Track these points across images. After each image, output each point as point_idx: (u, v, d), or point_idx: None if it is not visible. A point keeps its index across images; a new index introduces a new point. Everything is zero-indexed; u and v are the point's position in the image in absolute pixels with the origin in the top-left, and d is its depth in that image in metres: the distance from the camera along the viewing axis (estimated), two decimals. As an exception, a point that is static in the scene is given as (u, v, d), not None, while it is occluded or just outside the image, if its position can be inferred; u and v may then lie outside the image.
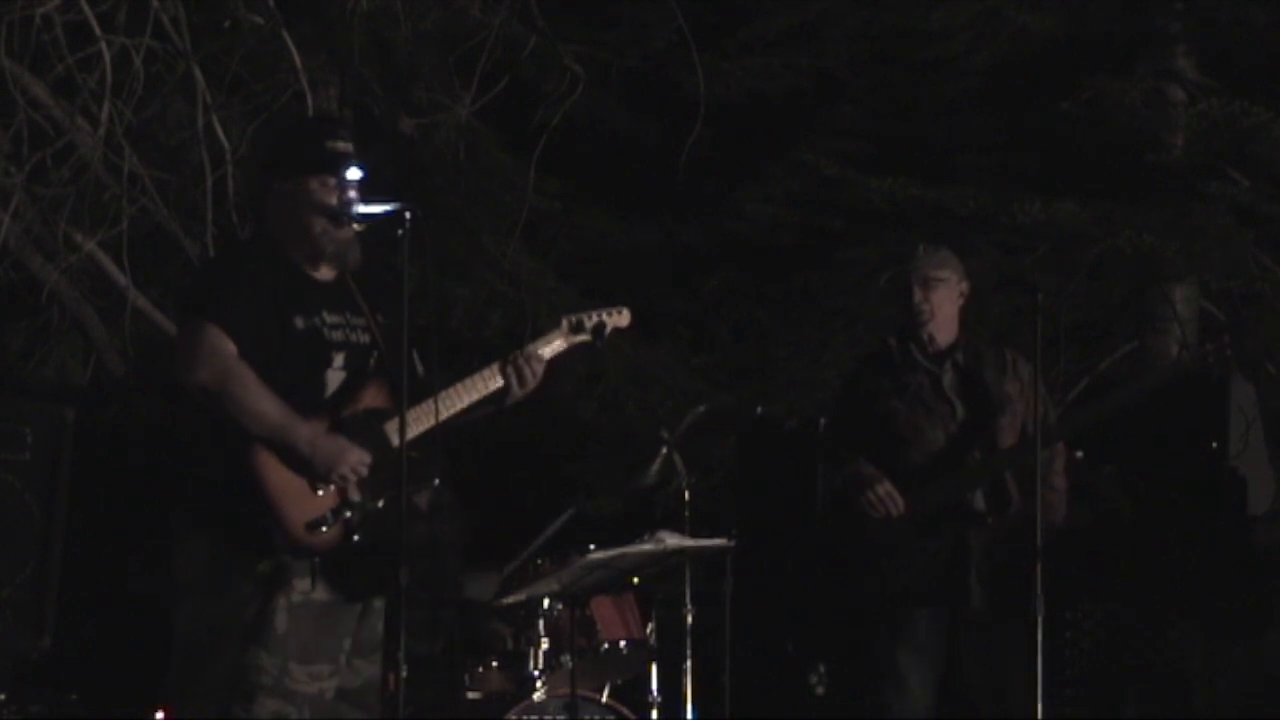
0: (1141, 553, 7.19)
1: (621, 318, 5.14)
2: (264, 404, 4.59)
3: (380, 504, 4.70)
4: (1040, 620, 5.16)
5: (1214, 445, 7.02)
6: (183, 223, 7.56)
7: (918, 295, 5.85)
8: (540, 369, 4.95)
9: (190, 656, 4.71)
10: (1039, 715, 5.16)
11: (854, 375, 6.15)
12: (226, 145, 7.33)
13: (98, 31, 7.18)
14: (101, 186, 7.41)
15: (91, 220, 7.44)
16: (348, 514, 4.65)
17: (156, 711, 6.98)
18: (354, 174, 4.77)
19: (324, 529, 4.62)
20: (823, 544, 5.94)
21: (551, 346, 5.01)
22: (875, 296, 9.96)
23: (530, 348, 4.97)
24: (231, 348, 4.61)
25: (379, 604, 4.82)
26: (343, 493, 4.67)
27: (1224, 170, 9.48)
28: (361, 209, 4.76)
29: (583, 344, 5.08)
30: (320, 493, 4.64)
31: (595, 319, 5.08)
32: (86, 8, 7.13)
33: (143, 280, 7.78)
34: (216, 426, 4.62)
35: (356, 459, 4.66)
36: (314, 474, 4.63)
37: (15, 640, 6.36)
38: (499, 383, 4.91)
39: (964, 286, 5.92)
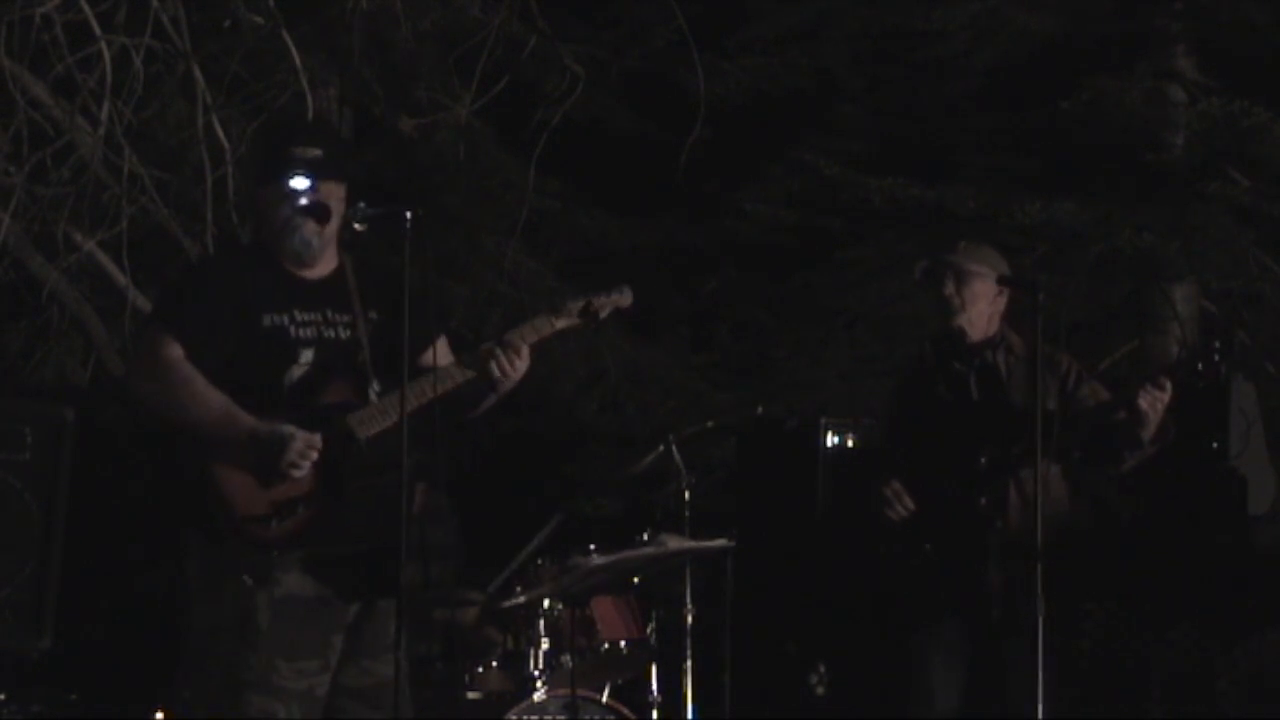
0: (1141, 553, 7.19)
1: (624, 298, 4.99)
2: (201, 404, 4.65)
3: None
4: (1041, 620, 5.15)
5: (1214, 445, 7.01)
6: (183, 223, 7.56)
7: (949, 287, 5.74)
8: (515, 356, 4.83)
9: (191, 657, 4.78)
10: (1039, 715, 5.16)
11: (898, 387, 6.06)
12: (226, 145, 7.32)
13: (97, 31, 7.17)
14: (101, 186, 7.40)
15: (91, 220, 7.43)
16: (300, 509, 4.65)
17: (156, 711, 6.98)
18: (300, 183, 4.77)
19: (273, 524, 4.63)
20: (825, 545, 5.91)
21: (539, 332, 4.89)
22: (880, 294, 10.01)
23: (510, 335, 4.87)
24: (177, 353, 4.68)
25: (385, 604, 4.78)
26: (299, 486, 4.67)
27: (1224, 170, 9.48)
28: (362, 209, 4.78)
29: (572, 327, 4.98)
30: (271, 488, 4.65)
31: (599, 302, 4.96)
32: (86, 8, 7.13)
33: (143, 280, 7.77)
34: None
35: (301, 446, 4.65)
36: (260, 466, 4.64)
37: (15, 640, 6.36)
38: (466, 375, 4.83)
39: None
